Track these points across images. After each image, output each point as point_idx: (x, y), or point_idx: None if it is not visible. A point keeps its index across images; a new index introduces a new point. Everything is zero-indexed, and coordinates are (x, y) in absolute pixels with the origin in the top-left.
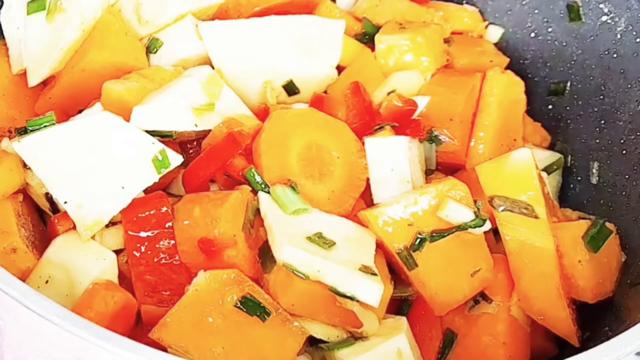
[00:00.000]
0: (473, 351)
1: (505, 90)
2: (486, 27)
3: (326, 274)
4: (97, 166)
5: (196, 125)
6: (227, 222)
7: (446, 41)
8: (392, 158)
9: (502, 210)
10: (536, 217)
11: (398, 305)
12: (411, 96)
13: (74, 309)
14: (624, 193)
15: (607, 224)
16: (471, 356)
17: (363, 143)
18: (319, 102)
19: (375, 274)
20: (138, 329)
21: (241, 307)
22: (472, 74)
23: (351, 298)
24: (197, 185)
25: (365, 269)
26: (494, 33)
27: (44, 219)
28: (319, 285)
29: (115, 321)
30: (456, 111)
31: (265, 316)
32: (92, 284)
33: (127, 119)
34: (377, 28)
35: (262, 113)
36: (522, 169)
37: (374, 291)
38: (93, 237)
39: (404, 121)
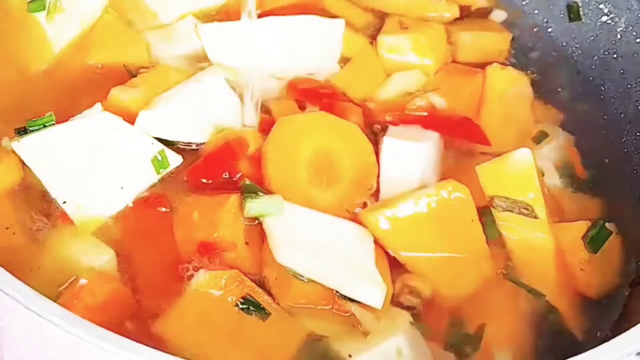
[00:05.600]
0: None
1: (506, 86)
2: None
3: (327, 277)
4: (96, 166)
5: (202, 136)
6: (226, 226)
7: (454, 22)
8: (407, 162)
9: (502, 211)
10: (536, 217)
11: None
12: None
13: (61, 301)
14: (625, 193)
15: (607, 224)
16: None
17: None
18: (329, 109)
19: (377, 276)
20: (137, 326)
21: (241, 307)
22: (475, 73)
23: (353, 300)
24: (197, 186)
25: (367, 271)
26: (499, 16)
27: (44, 216)
28: (319, 286)
29: (104, 312)
30: (458, 110)
31: (265, 317)
32: (80, 277)
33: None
34: (383, 18)
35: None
36: (523, 170)
37: (376, 294)
38: (92, 234)
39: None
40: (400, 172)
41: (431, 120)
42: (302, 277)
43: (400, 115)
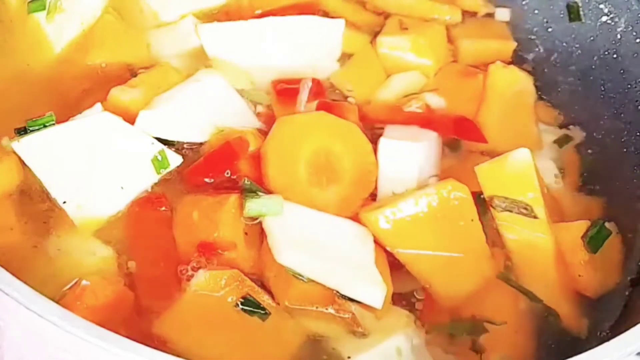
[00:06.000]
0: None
1: (507, 84)
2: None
3: (327, 277)
4: (96, 166)
5: (202, 136)
6: (226, 226)
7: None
8: (404, 162)
9: (501, 211)
10: (535, 217)
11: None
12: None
13: (64, 302)
14: (625, 193)
15: (607, 224)
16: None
17: (374, 143)
18: (326, 108)
19: (377, 276)
20: (138, 326)
21: (241, 307)
22: (476, 74)
23: (354, 300)
24: (197, 186)
25: (367, 271)
26: (503, 15)
27: (44, 216)
28: (319, 286)
29: (106, 313)
30: (459, 111)
31: (265, 317)
32: (83, 279)
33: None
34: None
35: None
36: (522, 169)
37: (376, 294)
38: (93, 235)
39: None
40: (398, 172)
41: (428, 120)
42: (302, 277)
43: (397, 116)
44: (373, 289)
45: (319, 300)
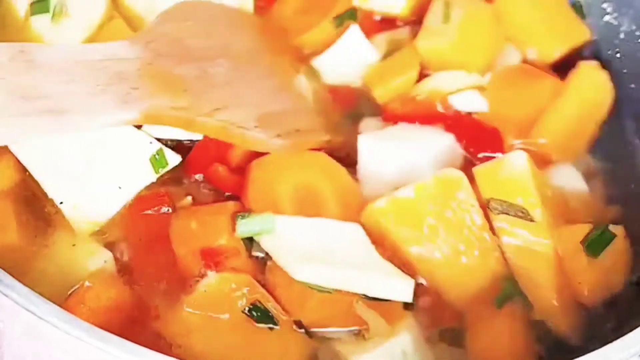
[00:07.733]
0: (483, 339)
1: (593, 91)
2: None
3: (351, 283)
4: (93, 166)
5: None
6: (227, 233)
7: None
8: (382, 162)
9: (498, 213)
10: (532, 220)
11: None
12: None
13: (67, 304)
14: (628, 193)
15: (614, 227)
16: (481, 344)
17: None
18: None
19: (398, 270)
20: (139, 325)
21: (249, 314)
22: (540, 77)
23: (382, 300)
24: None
25: (387, 268)
26: None
27: (42, 216)
28: (337, 294)
29: (109, 316)
30: (515, 119)
31: (273, 326)
32: (86, 280)
33: None
34: None
35: None
36: (518, 173)
37: (406, 287)
38: (90, 236)
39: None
40: (376, 173)
41: (453, 124)
42: (325, 288)
43: (419, 113)
44: (401, 283)
45: (337, 307)
